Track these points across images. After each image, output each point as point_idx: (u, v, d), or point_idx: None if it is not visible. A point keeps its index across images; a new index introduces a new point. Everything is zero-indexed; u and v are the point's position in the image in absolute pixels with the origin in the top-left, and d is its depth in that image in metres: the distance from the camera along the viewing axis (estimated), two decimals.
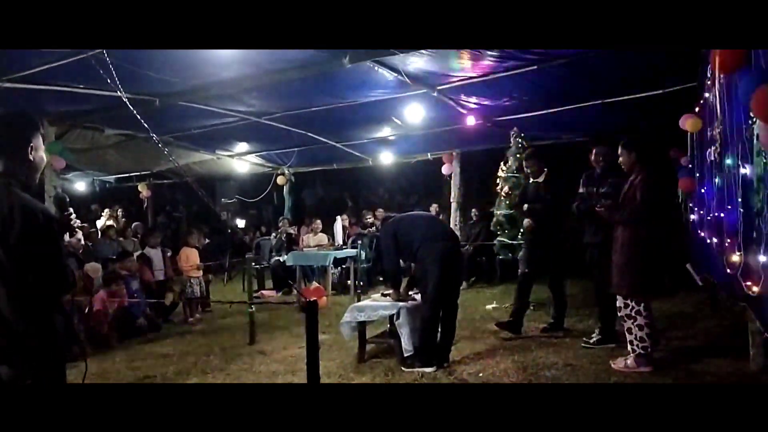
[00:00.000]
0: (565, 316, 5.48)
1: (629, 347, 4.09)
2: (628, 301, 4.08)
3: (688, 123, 5.37)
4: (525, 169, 5.75)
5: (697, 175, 5.68)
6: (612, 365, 4.13)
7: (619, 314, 4.23)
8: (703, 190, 5.31)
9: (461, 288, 4.80)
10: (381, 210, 11.21)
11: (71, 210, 2.27)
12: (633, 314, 4.05)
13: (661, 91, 5.90)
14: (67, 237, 2.25)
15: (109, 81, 3.24)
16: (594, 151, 4.90)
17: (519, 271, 5.63)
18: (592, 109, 6.53)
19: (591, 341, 4.81)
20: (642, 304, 4.03)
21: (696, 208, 5.90)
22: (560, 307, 5.45)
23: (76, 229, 2.27)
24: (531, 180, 5.66)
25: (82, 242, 2.27)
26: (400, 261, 4.97)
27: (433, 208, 10.10)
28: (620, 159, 4.26)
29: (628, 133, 6.14)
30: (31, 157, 2.09)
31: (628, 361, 4.06)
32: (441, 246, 4.50)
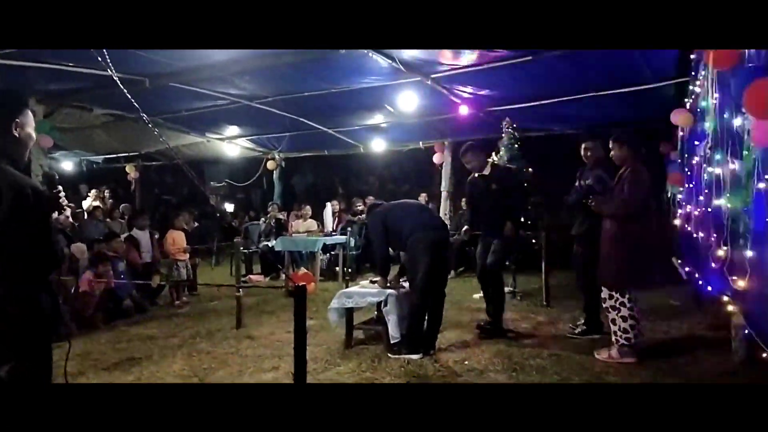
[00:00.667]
0: (502, 312, 5.15)
1: (613, 338, 4.14)
2: (613, 293, 4.12)
3: (679, 118, 5.40)
4: (465, 165, 5.26)
5: (686, 170, 5.72)
6: (596, 355, 4.18)
7: (603, 305, 4.28)
8: (691, 185, 5.36)
9: (449, 277, 4.81)
10: (371, 197, 11.19)
11: (60, 188, 2.26)
12: (617, 305, 4.09)
13: (653, 85, 5.93)
14: (55, 215, 2.24)
15: (100, 59, 3.18)
16: (582, 145, 4.92)
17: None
18: (585, 102, 6.54)
19: (576, 331, 4.87)
20: (626, 296, 4.06)
21: (684, 203, 5.96)
22: (493, 302, 5.13)
23: (65, 207, 2.26)
24: (476, 174, 5.24)
25: (71, 220, 2.24)
26: (389, 249, 4.96)
27: (422, 197, 10.09)
28: (612, 152, 4.27)
29: (619, 126, 6.21)
30: (16, 134, 2.09)
31: (612, 352, 4.11)
32: (431, 235, 4.51)
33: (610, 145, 4.28)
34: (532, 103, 6.85)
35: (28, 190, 1.99)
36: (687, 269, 5.54)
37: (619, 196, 4.07)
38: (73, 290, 5.78)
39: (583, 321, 4.92)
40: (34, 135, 2.20)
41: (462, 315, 5.91)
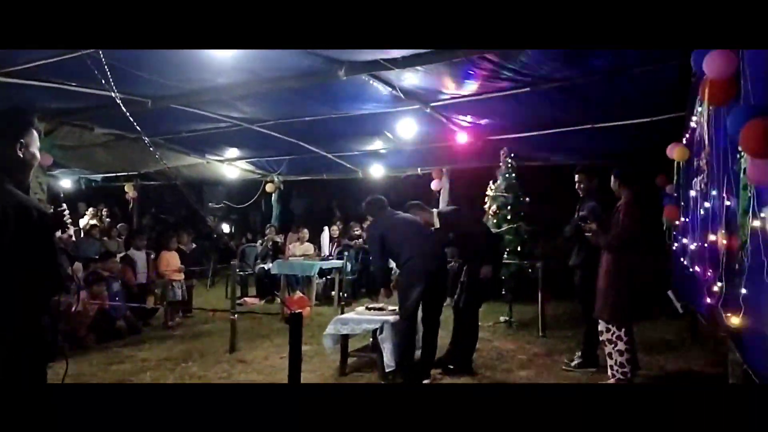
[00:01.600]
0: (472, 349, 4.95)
1: (609, 372, 4.11)
2: (610, 326, 4.10)
3: (675, 152, 5.44)
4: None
5: (682, 203, 5.75)
6: None
7: (600, 338, 4.25)
8: (687, 219, 5.39)
9: (444, 304, 4.78)
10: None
11: (65, 206, 2.24)
12: (614, 339, 4.06)
13: (649, 119, 6.00)
14: (59, 233, 2.21)
15: (103, 81, 3.21)
16: (576, 177, 4.97)
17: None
18: (583, 133, 6.61)
19: (572, 364, 4.83)
20: (623, 329, 4.05)
21: (680, 237, 5.98)
22: (458, 340, 4.94)
23: (69, 226, 2.24)
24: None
25: (73, 239, 2.23)
26: (388, 260, 4.93)
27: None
28: (611, 185, 4.32)
29: (617, 158, 6.26)
30: (20, 154, 2.05)
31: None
32: (427, 264, 4.48)
33: (612, 179, 4.35)
34: (531, 133, 6.92)
35: (34, 212, 1.97)
36: (681, 303, 5.53)
37: (615, 227, 4.09)
38: (66, 309, 5.72)
39: (579, 353, 4.88)
40: (38, 155, 2.16)
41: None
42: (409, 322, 4.48)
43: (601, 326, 4.17)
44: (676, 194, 6.19)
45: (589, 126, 6.41)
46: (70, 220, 2.25)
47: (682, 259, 5.57)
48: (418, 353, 4.58)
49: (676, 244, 6.33)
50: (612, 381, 4.06)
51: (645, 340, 5.69)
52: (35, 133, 2.14)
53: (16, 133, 2.05)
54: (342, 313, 5.69)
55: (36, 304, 2.03)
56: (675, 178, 5.96)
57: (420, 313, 4.56)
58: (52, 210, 2.22)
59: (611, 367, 4.08)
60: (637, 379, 4.21)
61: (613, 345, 4.06)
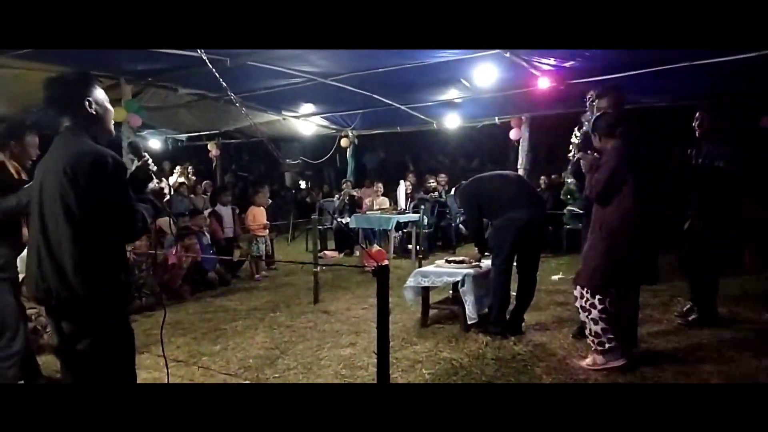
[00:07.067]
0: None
1: (589, 340, 3.67)
2: (583, 291, 3.60)
3: None
4: None
5: None
6: (582, 363, 3.68)
7: (575, 304, 3.75)
8: None
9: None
10: (443, 175, 11.05)
11: (146, 155, 2.30)
12: (587, 306, 3.57)
13: (756, 53, 5.37)
14: (151, 185, 2.29)
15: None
16: (697, 114, 4.57)
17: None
18: (678, 72, 6.05)
19: (690, 318, 4.52)
20: (596, 297, 3.52)
21: None
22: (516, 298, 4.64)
23: (155, 174, 2.32)
24: None
25: (165, 191, 2.27)
26: (483, 220, 4.78)
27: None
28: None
29: (715, 99, 5.70)
30: (91, 111, 2.16)
31: (596, 358, 3.60)
32: (524, 214, 4.30)
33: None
34: (621, 74, 6.41)
35: (108, 158, 2.05)
36: None
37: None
38: (163, 262, 6.10)
39: (693, 307, 4.54)
40: (110, 108, 2.25)
41: (540, 297, 5.71)
42: (504, 276, 4.40)
43: (576, 291, 3.67)
44: None
45: (686, 64, 5.85)
46: (155, 168, 2.32)
47: None
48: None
49: None
50: (594, 353, 3.62)
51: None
52: (101, 90, 2.23)
53: (83, 92, 2.16)
54: (419, 266, 5.70)
55: (112, 257, 2.12)
56: None
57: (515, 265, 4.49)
58: (138, 163, 2.30)
59: (588, 336, 3.65)
60: (639, 374, 3.53)
61: (586, 313, 3.57)
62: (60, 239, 2.03)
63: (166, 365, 2.78)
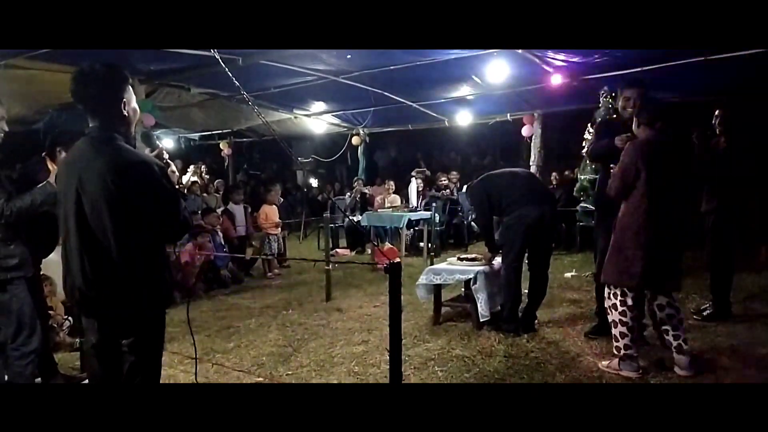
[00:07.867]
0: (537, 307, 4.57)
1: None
2: (608, 289, 3.49)
3: None
4: None
5: None
6: (600, 365, 3.58)
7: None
8: None
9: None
10: (455, 172, 11.03)
11: (160, 145, 2.29)
12: (609, 307, 3.48)
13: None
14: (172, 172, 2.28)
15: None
16: (716, 112, 4.54)
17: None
18: (693, 67, 5.97)
19: (704, 314, 4.51)
20: (618, 297, 3.39)
21: None
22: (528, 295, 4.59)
23: (176, 178, 2.31)
24: None
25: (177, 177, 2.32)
26: (493, 218, 4.74)
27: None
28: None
29: (732, 95, 5.62)
30: (125, 112, 2.09)
31: (613, 362, 3.49)
32: (534, 212, 4.26)
33: None
34: (635, 70, 6.34)
35: (154, 166, 2.03)
36: None
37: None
38: (176, 260, 6.15)
39: (710, 303, 4.55)
40: (138, 110, 2.19)
41: (553, 294, 5.68)
42: (515, 274, 4.38)
43: (607, 290, 3.54)
44: None
45: (702, 58, 5.77)
46: (172, 166, 2.27)
47: None
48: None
49: None
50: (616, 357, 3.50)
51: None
52: (131, 89, 2.16)
53: (118, 92, 2.07)
54: (431, 264, 5.70)
55: (158, 256, 2.12)
56: None
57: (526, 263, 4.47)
58: (153, 153, 2.28)
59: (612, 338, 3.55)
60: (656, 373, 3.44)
61: (608, 314, 3.50)
62: (108, 244, 1.97)
63: (196, 364, 2.77)
